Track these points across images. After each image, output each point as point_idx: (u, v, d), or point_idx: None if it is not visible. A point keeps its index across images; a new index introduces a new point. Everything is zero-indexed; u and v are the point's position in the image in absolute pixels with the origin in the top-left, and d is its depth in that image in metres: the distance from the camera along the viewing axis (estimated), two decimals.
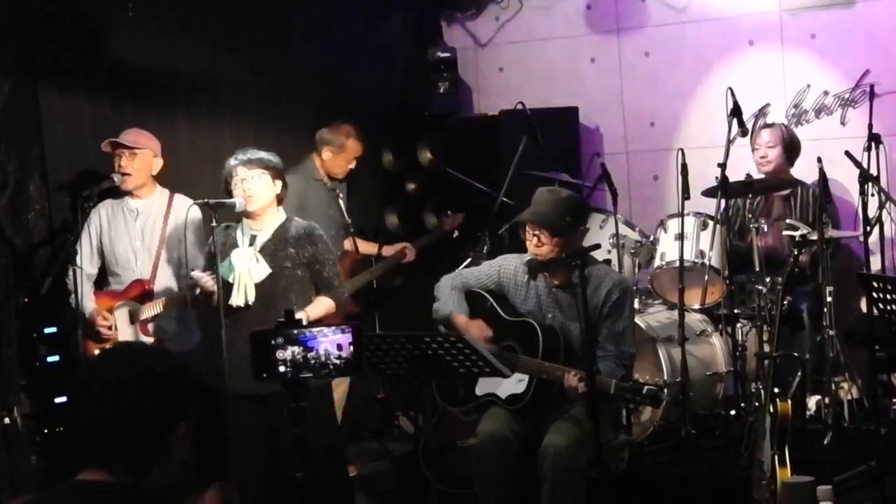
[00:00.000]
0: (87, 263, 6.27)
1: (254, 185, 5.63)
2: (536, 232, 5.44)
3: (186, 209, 5.98)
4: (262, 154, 5.74)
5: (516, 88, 8.37)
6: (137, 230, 6.31)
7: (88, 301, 6.22)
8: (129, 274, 6.29)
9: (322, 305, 5.68)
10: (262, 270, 5.61)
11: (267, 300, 5.61)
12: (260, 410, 5.61)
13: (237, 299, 5.60)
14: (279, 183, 5.71)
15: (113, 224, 6.32)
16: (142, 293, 6.24)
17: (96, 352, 6.14)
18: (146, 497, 2.76)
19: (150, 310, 6.21)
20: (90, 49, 6.77)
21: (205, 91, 7.34)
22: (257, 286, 5.62)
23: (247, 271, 5.60)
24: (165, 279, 6.30)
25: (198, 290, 5.75)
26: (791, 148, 7.10)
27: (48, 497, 2.89)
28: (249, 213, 5.70)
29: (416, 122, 8.26)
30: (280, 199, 5.76)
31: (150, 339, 6.18)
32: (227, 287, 5.59)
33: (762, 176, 7.09)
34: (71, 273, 6.06)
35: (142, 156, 6.28)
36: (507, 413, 5.44)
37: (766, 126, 7.25)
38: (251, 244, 5.67)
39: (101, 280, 6.39)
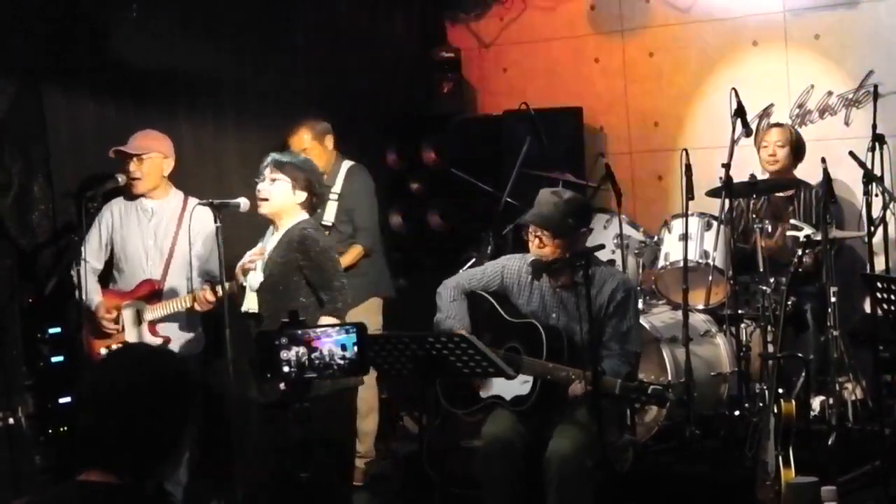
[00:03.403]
0: (93, 258, 6.28)
1: (271, 189, 5.56)
2: (538, 233, 5.44)
3: (191, 210, 5.98)
4: (298, 161, 5.65)
5: (520, 89, 8.37)
6: (150, 230, 6.31)
7: (95, 295, 6.23)
8: (137, 273, 6.29)
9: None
10: (257, 279, 5.59)
11: (274, 305, 5.58)
12: (268, 415, 5.60)
13: (244, 305, 5.61)
14: (302, 194, 5.57)
15: (125, 222, 6.32)
16: (150, 293, 6.24)
17: (102, 350, 6.15)
18: (149, 499, 2.77)
19: (156, 311, 6.21)
20: (93, 50, 6.78)
21: (207, 91, 7.34)
22: (263, 293, 5.60)
23: (248, 279, 5.60)
24: (176, 281, 6.29)
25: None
26: (797, 149, 7.11)
27: (50, 497, 2.89)
28: (262, 216, 5.68)
29: (419, 122, 8.26)
30: (306, 208, 5.67)
31: (158, 340, 6.19)
32: (242, 292, 5.61)
33: (766, 176, 7.09)
34: (75, 269, 6.06)
35: (150, 160, 6.27)
36: (512, 415, 5.44)
37: (776, 125, 7.24)
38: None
39: (106, 276, 6.39)
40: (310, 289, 5.58)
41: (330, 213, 6.92)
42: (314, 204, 5.68)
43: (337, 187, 6.99)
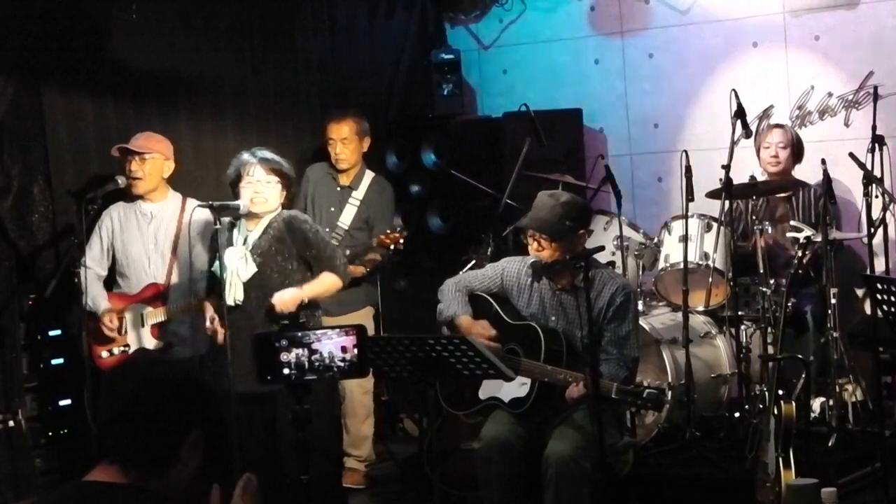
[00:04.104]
0: (96, 265, 6.29)
1: (267, 191, 5.62)
2: (536, 237, 5.45)
3: (191, 211, 5.98)
4: (280, 159, 5.75)
5: (520, 90, 8.37)
6: (151, 234, 6.31)
7: (102, 300, 6.23)
8: (141, 276, 6.29)
9: (323, 282, 5.64)
10: (249, 270, 5.62)
11: (263, 297, 5.61)
12: (260, 410, 5.62)
13: (228, 298, 5.61)
14: (285, 193, 5.74)
15: (125, 226, 6.33)
16: (155, 296, 6.25)
17: (104, 353, 6.15)
18: (151, 499, 2.77)
19: (160, 314, 6.21)
20: (92, 50, 6.78)
21: (207, 91, 7.34)
22: (250, 284, 5.63)
23: (235, 270, 5.62)
24: (178, 283, 6.30)
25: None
26: (798, 150, 7.12)
27: (54, 498, 2.90)
28: (251, 215, 5.70)
29: (419, 123, 8.26)
30: (286, 205, 5.76)
31: (160, 343, 6.18)
32: (222, 287, 5.61)
33: (766, 177, 7.09)
34: (81, 274, 6.05)
35: (152, 160, 6.29)
36: (511, 416, 5.44)
37: (777, 126, 7.24)
38: (245, 243, 5.69)
39: (109, 281, 6.39)
40: (306, 272, 5.63)
41: (347, 217, 6.93)
42: (285, 205, 5.82)
43: (359, 193, 6.99)
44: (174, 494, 2.81)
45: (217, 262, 5.65)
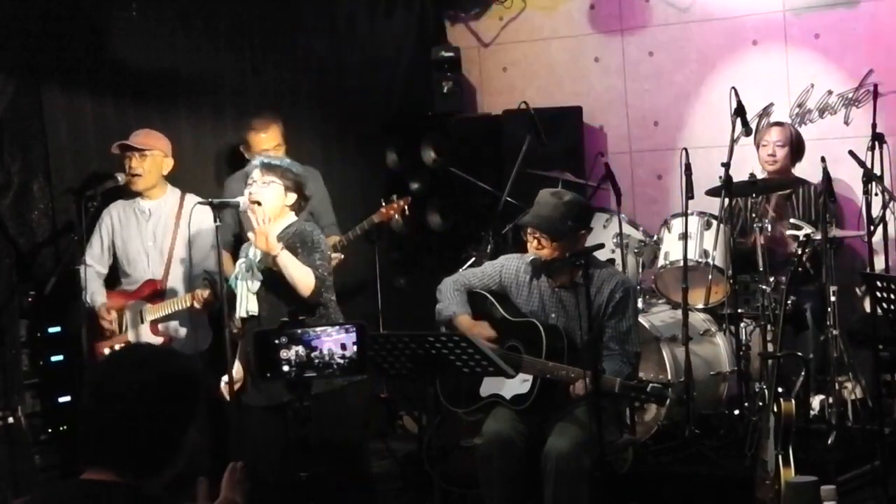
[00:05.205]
0: (97, 263, 6.30)
1: (262, 192, 5.56)
2: (537, 235, 5.45)
3: (190, 208, 5.97)
4: (286, 162, 5.66)
5: (520, 88, 8.37)
6: (149, 231, 6.33)
7: (99, 296, 6.24)
8: (141, 274, 6.31)
9: (300, 266, 5.43)
10: (255, 284, 5.57)
11: (274, 305, 5.57)
12: (273, 418, 5.58)
13: (240, 311, 5.57)
14: (293, 196, 5.56)
15: (125, 224, 6.34)
16: (153, 293, 6.26)
17: (106, 351, 6.15)
18: (152, 500, 2.76)
19: (159, 310, 6.22)
20: (93, 49, 6.79)
21: (207, 91, 7.34)
22: (262, 294, 5.58)
23: (245, 283, 5.57)
24: (176, 280, 6.31)
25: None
26: (797, 148, 7.11)
27: (51, 496, 2.89)
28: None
29: (419, 121, 8.26)
30: (294, 209, 5.66)
31: (160, 340, 6.19)
32: (234, 299, 5.59)
33: (766, 175, 7.09)
34: (81, 271, 6.05)
35: (152, 157, 6.30)
36: (512, 413, 5.45)
37: (776, 124, 7.23)
38: (253, 254, 5.63)
39: (112, 280, 6.40)
40: None
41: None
42: (301, 206, 5.69)
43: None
44: (163, 484, 2.78)
45: (232, 276, 5.60)
